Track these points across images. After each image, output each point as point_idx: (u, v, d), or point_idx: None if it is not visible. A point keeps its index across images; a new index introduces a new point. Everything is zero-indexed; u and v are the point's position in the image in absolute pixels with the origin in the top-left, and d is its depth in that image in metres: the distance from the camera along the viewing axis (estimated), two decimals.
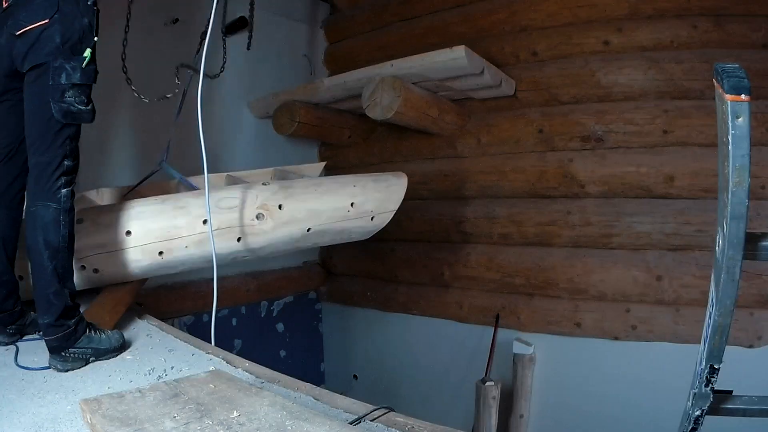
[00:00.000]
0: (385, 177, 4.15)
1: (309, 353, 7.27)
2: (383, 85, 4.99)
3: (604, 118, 5.08)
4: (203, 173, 2.92)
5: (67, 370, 2.40)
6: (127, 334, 2.75)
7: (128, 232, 3.05)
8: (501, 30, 5.64)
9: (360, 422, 1.93)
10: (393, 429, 1.91)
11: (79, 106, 2.38)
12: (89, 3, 2.41)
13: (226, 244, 3.30)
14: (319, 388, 2.27)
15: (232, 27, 5.96)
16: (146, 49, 4.86)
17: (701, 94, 4.70)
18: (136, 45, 4.15)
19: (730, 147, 1.53)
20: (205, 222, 3.11)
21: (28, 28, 2.32)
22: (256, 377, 2.35)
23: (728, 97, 1.51)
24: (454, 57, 4.71)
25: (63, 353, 2.41)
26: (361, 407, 2.05)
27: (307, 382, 2.31)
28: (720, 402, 1.85)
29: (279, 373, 2.39)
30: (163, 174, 4.09)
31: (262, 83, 6.41)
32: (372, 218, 4.00)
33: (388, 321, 6.61)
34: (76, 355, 2.44)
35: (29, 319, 2.75)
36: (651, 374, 4.73)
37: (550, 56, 5.36)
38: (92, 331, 2.53)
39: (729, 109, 1.51)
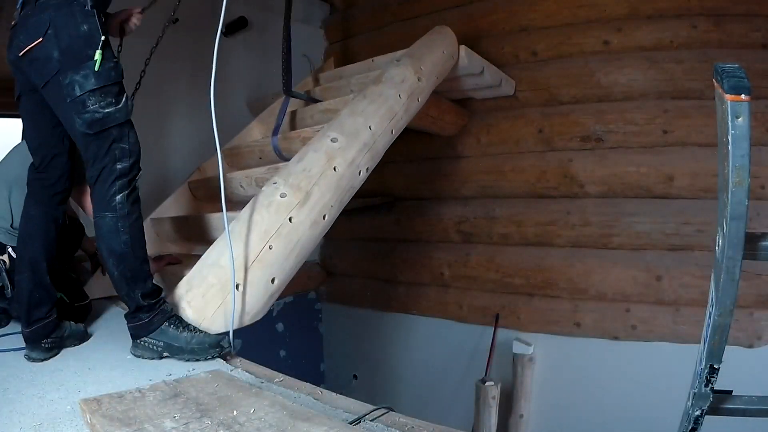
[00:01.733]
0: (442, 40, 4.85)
1: (309, 353, 7.26)
2: None
3: (604, 118, 5.08)
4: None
5: (138, 357, 2.55)
6: (128, 334, 2.74)
7: (370, 127, 3.62)
8: (500, 30, 5.64)
9: (360, 422, 1.92)
10: (393, 429, 1.91)
11: (106, 109, 2.36)
12: (87, 8, 2.37)
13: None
14: (318, 387, 2.27)
15: (232, 27, 5.98)
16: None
17: (701, 94, 4.70)
18: None
19: (729, 147, 1.53)
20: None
21: (27, 48, 2.36)
22: (256, 377, 2.35)
23: (728, 97, 1.51)
24: None
25: (137, 341, 2.56)
26: (360, 407, 2.05)
27: (306, 381, 2.31)
28: (720, 402, 1.85)
29: (279, 373, 2.39)
30: None
31: (261, 83, 6.42)
32: (452, 56, 4.74)
33: (387, 321, 6.61)
34: (148, 345, 2.54)
35: (66, 331, 2.73)
36: (651, 374, 4.74)
37: (550, 56, 5.37)
38: (172, 327, 2.56)
39: (729, 109, 1.51)
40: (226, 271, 2.72)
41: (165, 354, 2.53)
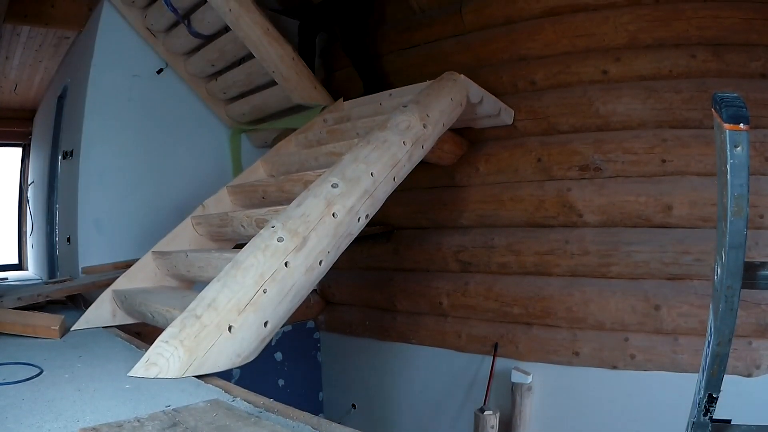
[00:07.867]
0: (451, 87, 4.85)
1: (307, 382, 7.24)
2: None
3: (603, 147, 5.09)
4: None
5: None
6: (126, 364, 2.75)
7: (371, 173, 3.63)
8: (499, 59, 5.67)
9: None
10: None
11: None
12: None
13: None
14: (317, 417, 2.26)
15: None
16: None
17: (700, 123, 4.71)
18: None
19: (728, 176, 1.54)
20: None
21: None
22: (255, 406, 2.33)
23: (727, 126, 1.52)
24: None
25: None
26: None
27: (305, 411, 2.30)
28: (718, 431, 1.85)
29: (277, 403, 2.38)
30: None
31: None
32: (461, 104, 4.77)
33: (386, 350, 6.58)
34: None
35: None
36: (650, 403, 4.71)
37: (549, 85, 5.40)
38: None
39: (728, 139, 1.52)
40: (219, 313, 2.76)
41: None
